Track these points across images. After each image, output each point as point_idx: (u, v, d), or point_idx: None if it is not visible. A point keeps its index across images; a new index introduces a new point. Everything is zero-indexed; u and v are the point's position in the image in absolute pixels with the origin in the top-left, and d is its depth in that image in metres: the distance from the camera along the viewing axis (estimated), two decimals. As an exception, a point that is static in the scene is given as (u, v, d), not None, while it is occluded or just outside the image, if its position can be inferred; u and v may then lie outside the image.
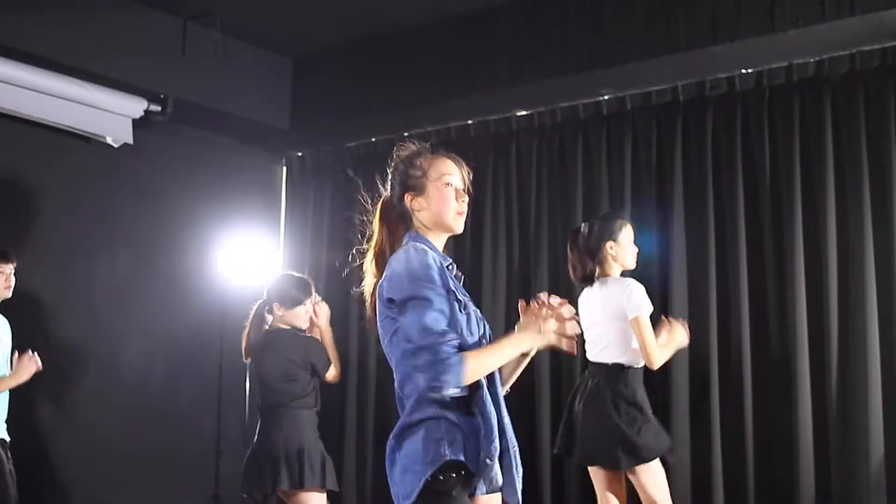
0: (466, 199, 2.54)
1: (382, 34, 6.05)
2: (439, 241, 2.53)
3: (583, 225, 4.27)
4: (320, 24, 5.94)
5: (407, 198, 2.53)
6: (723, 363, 5.11)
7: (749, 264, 5.11)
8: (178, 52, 5.83)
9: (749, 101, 5.23)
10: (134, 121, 5.82)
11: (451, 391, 2.28)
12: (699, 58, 5.10)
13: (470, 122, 6.19)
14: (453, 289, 2.38)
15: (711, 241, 5.23)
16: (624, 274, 4.18)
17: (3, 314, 4.61)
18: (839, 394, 4.76)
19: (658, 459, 3.99)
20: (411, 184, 2.52)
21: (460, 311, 2.37)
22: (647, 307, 4.02)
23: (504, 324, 5.61)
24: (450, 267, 2.46)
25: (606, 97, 5.65)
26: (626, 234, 4.18)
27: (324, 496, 4.28)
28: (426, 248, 2.43)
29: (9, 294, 4.58)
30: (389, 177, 2.61)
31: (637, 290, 4.07)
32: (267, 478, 4.16)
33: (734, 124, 5.26)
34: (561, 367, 5.57)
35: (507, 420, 2.40)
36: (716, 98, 5.34)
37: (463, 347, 2.31)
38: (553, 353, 5.62)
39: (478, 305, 2.56)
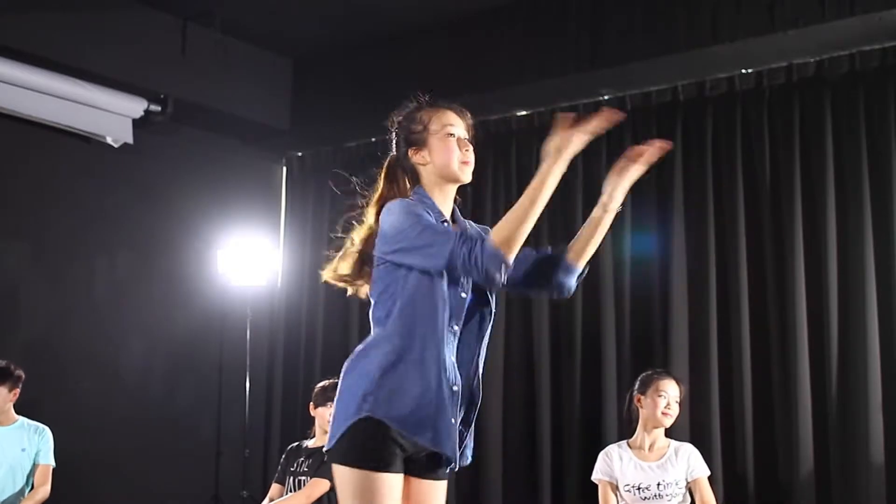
0: (471, 148, 2.53)
1: (382, 34, 6.05)
2: (445, 194, 2.53)
3: None
4: (320, 24, 5.94)
5: (411, 153, 2.54)
6: (722, 363, 5.11)
7: (749, 264, 5.10)
8: (178, 52, 5.83)
9: (749, 101, 5.23)
10: (134, 121, 5.81)
11: (495, 267, 2.25)
12: (699, 58, 5.10)
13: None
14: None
15: (711, 240, 5.22)
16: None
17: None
18: (839, 394, 4.76)
19: None
20: (413, 139, 2.54)
21: None
22: None
23: (503, 323, 5.61)
24: (444, 223, 2.46)
25: (606, 97, 5.64)
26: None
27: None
28: (420, 200, 2.47)
29: None
30: (393, 136, 2.62)
31: None
32: None
33: (734, 124, 5.25)
34: (561, 368, 5.57)
35: None
36: (716, 98, 5.33)
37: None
38: (552, 354, 5.63)
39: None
